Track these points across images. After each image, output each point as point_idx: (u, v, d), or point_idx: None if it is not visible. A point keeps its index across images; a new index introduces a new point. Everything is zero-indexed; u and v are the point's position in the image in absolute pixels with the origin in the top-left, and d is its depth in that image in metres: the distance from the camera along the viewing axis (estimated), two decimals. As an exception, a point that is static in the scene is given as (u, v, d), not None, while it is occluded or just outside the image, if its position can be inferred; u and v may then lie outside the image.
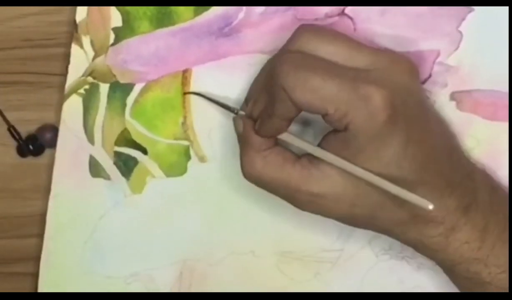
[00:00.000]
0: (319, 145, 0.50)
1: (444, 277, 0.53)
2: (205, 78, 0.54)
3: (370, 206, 0.49)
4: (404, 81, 0.49)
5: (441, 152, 0.50)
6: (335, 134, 0.49)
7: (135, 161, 0.55)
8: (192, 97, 0.54)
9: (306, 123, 0.54)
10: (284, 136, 0.51)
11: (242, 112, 0.52)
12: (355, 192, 0.49)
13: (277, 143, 0.51)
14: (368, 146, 0.48)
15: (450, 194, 0.49)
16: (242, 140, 0.51)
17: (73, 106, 0.55)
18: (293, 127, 0.51)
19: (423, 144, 0.49)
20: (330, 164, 0.49)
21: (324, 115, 0.48)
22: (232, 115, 0.52)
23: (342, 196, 0.49)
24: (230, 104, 0.53)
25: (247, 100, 0.52)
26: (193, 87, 0.54)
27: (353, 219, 0.50)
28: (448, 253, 0.50)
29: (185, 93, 0.54)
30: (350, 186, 0.49)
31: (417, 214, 0.49)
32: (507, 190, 0.54)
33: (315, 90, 0.47)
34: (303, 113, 0.49)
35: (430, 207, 0.47)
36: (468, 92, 0.55)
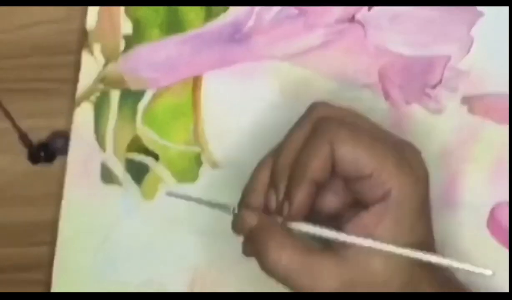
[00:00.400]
0: (341, 230, 0.47)
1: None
2: (215, 85, 0.55)
3: (402, 279, 0.46)
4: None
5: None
6: (368, 208, 0.46)
7: (146, 168, 0.55)
8: (203, 102, 0.55)
9: None
10: (303, 227, 0.47)
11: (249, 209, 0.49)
12: (388, 273, 0.46)
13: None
14: (407, 217, 0.46)
15: None
16: (262, 231, 0.48)
17: (84, 113, 0.55)
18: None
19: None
20: (357, 249, 0.46)
21: (365, 178, 0.45)
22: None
23: (374, 278, 0.46)
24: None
25: (247, 194, 0.49)
26: (204, 94, 0.54)
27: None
28: None
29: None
30: (382, 265, 0.46)
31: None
32: None
33: (365, 148, 0.45)
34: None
35: (489, 273, 0.46)
36: (479, 96, 0.55)
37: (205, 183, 0.55)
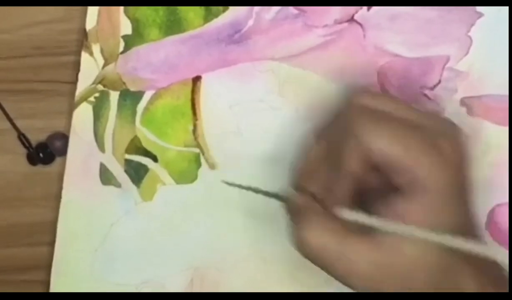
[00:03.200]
0: (374, 215, 0.47)
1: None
2: (215, 85, 0.54)
3: (437, 268, 0.47)
4: (464, 144, 0.48)
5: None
6: (397, 194, 0.47)
7: (145, 169, 0.56)
8: (203, 104, 0.55)
9: None
10: (346, 214, 0.48)
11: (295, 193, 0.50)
12: (421, 259, 0.46)
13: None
14: (435, 201, 0.46)
15: None
16: (302, 210, 0.48)
17: (83, 114, 0.55)
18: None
19: (468, 210, 0.48)
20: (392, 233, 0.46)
21: (394, 167, 0.46)
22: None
23: (408, 264, 0.46)
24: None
25: (297, 184, 0.50)
26: (203, 95, 0.54)
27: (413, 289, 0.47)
28: None
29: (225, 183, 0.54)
30: (417, 252, 0.46)
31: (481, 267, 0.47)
32: None
33: (393, 138, 0.46)
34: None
35: None
36: (479, 97, 0.55)
37: (204, 184, 0.56)
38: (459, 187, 0.47)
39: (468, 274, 0.46)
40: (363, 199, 0.49)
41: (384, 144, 0.46)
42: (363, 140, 0.46)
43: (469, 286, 0.46)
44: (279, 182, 0.52)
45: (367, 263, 0.47)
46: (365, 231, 0.47)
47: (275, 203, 0.51)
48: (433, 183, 0.46)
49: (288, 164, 0.52)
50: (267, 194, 0.51)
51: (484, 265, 0.46)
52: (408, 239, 0.46)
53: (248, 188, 0.52)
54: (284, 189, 0.51)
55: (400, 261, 0.46)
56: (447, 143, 0.47)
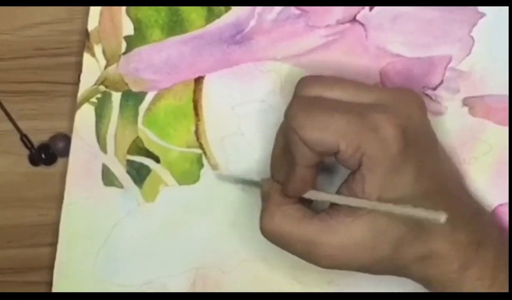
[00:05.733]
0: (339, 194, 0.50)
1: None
2: (217, 86, 0.54)
3: (390, 244, 0.49)
4: (412, 114, 0.49)
5: (452, 187, 0.50)
6: (352, 175, 0.49)
7: (147, 170, 0.55)
8: (205, 105, 0.55)
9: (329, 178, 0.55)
10: (308, 194, 0.51)
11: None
12: (372, 234, 0.49)
13: (298, 201, 0.51)
14: (384, 178, 0.48)
15: (462, 229, 0.49)
16: (265, 199, 0.52)
17: (85, 115, 0.55)
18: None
19: (435, 176, 0.49)
20: (347, 213, 0.49)
21: (337, 154, 0.48)
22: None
23: (362, 242, 0.49)
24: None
25: (270, 167, 0.52)
26: (205, 96, 0.54)
27: (375, 265, 0.50)
28: (461, 290, 0.50)
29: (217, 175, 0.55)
30: (367, 229, 0.49)
31: (435, 248, 0.49)
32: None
33: (324, 127, 0.47)
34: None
35: (443, 217, 0.46)
36: (481, 97, 0.55)
37: (207, 185, 0.56)
38: (405, 157, 0.48)
39: (437, 238, 0.49)
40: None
41: (319, 137, 0.47)
42: (301, 135, 0.47)
43: (442, 246, 0.48)
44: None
45: (325, 245, 0.49)
46: (323, 214, 0.50)
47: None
48: (378, 160, 0.47)
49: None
50: (250, 182, 0.53)
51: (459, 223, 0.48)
52: (358, 215, 0.48)
53: (237, 179, 0.54)
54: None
55: (353, 240, 0.49)
56: (383, 119, 0.47)
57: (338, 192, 0.50)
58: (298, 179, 0.49)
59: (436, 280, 0.50)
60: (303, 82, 0.50)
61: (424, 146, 0.49)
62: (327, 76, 0.51)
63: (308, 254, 0.50)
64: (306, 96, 0.49)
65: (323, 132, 0.47)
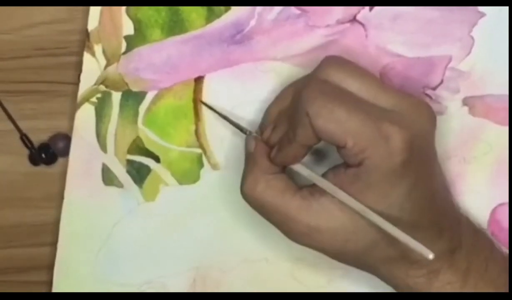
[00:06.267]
0: (324, 177, 0.50)
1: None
2: (217, 86, 0.54)
3: (364, 243, 0.49)
4: (422, 127, 0.49)
5: (438, 200, 0.50)
6: (346, 168, 0.49)
7: (148, 169, 0.56)
8: (205, 104, 0.55)
9: (318, 157, 0.54)
10: (294, 166, 0.51)
11: (255, 135, 0.52)
12: (351, 229, 0.49)
13: (283, 171, 0.51)
14: (378, 185, 0.48)
15: (439, 239, 0.50)
16: (250, 160, 0.51)
17: (85, 115, 0.55)
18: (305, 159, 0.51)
19: (426, 189, 0.49)
20: (330, 198, 0.49)
21: (341, 147, 0.48)
22: (243, 135, 0.52)
23: (338, 231, 0.49)
24: (243, 124, 0.53)
25: (262, 125, 0.52)
26: (205, 95, 0.54)
27: (344, 255, 0.50)
28: (429, 291, 0.50)
29: (200, 101, 0.54)
30: (348, 222, 0.49)
31: (406, 254, 0.49)
32: (488, 233, 0.55)
33: (339, 121, 0.47)
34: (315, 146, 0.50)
35: (430, 256, 0.47)
36: (480, 97, 0.55)
37: (207, 184, 0.56)
38: (404, 172, 0.48)
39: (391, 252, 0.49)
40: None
41: (331, 129, 0.47)
42: (313, 121, 0.47)
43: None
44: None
45: (302, 223, 0.49)
46: (306, 192, 0.50)
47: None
48: (379, 169, 0.47)
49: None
50: (234, 124, 0.53)
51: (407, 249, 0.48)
52: (341, 209, 0.49)
53: (220, 114, 0.53)
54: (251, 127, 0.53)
55: (329, 227, 0.49)
56: (396, 131, 0.47)
57: (324, 176, 0.50)
58: (291, 153, 0.50)
59: (404, 283, 0.51)
60: (329, 62, 0.50)
61: (424, 161, 0.49)
62: (352, 63, 0.50)
63: (284, 227, 0.50)
64: (327, 82, 0.49)
65: (337, 126, 0.47)
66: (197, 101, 0.55)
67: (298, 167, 0.51)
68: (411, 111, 0.49)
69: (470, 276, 0.50)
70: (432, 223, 0.49)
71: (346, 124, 0.47)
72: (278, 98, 0.52)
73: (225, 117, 0.53)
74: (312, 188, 0.50)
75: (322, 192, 0.49)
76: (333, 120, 0.47)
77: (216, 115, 0.54)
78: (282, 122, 0.50)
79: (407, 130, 0.48)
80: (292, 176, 0.51)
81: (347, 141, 0.47)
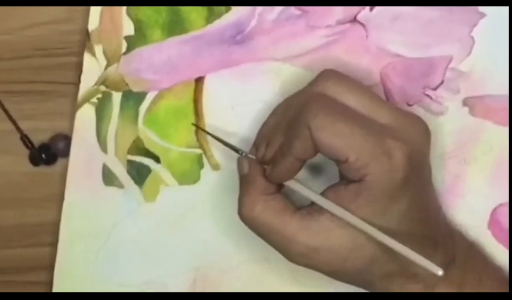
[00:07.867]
0: (323, 196, 0.49)
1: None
2: (217, 86, 0.54)
3: (362, 260, 0.49)
4: (420, 143, 0.49)
5: (433, 212, 0.50)
6: (346, 185, 0.48)
7: (148, 170, 0.55)
8: (205, 105, 0.55)
9: (314, 173, 0.55)
10: (290, 183, 0.50)
11: (250, 156, 0.51)
12: (350, 247, 0.49)
13: (280, 191, 0.51)
14: (379, 200, 0.48)
15: (434, 253, 0.49)
16: (246, 181, 0.51)
17: (86, 115, 0.55)
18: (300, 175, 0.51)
19: (423, 207, 0.49)
20: (329, 217, 0.49)
21: (343, 162, 0.47)
22: (237, 155, 0.52)
23: (337, 249, 0.49)
24: (236, 144, 0.53)
25: (256, 144, 0.52)
26: (206, 96, 0.54)
27: (342, 274, 0.50)
28: None
29: (192, 124, 0.54)
30: (347, 239, 0.49)
31: (405, 268, 0.49)
32: (481, 247, 0.55)
33: (341, 136, 0.47)
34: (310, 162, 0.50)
35: (440, 272, 0.47)
36: (481, 97, 0.55)
37: (207, 185, 0.56)
38: (407, 190, 0.48)
39: (409, 263, 0.48)
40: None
41: (333, 143, 0.47)
42: (315, 135, 0.47)
43: (414, 268, 0.48)
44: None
45: (300, 244, 0.49)
46: (304, 212, 0.50)
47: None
48: (380, 185, 0.47)
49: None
50: (228, 145, 0.52)
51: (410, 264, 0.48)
52: (340, 226, 0.48)
53: (214, 137, 0.53)
54: (245, 149, 0.52)
55: (329, 246, 0.49)
56: (397, 147, 0.47)
57: (323, 195, 0.49)
58: (285, 166, 0.49)
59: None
60: (326, 76, 0.50)
61: (422, 177, 0.49)
62: (350, 78, 0.50)
63: (282, 248, 0.50)
64: (328, 97, 0.49)
65: (340, 140, 0.47)
66: (197, 101, 0.55)
67: (297, 187, 0.50)
68: (408, 126, 0.49)
69: (465, 289, 0.50)
70: (427, 238, 0.49)
71: (348, 138, 0.47)
72: (272, 116, 0.52)
73: (219, 139, 0.53)
74: (311, 208, 0.50)
75: (321, 211, 0.49)
76: (335, 134, 0.47)
77: (216, 115, 0.54)
78: (276, 137, 0.50)
79: (407, 145, 0.47)
80: (289, 196, 0.51)
81: (349, 156, 0.47)
